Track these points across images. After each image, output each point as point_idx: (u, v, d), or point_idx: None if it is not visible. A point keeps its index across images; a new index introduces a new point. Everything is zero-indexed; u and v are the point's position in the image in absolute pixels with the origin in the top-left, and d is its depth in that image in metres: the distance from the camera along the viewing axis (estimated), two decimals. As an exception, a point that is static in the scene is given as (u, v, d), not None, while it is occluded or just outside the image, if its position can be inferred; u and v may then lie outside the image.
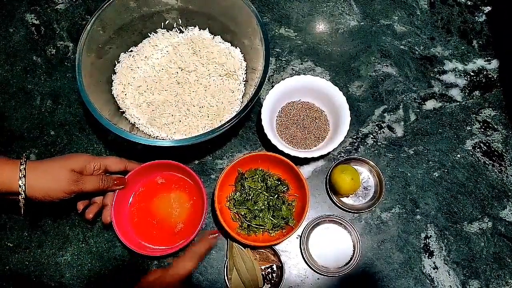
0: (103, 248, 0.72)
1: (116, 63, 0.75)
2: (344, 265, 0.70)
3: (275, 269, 0.70)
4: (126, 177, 0.67)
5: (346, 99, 0.72)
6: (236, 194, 0.71)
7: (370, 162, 0.74)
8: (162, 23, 0.78)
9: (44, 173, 0.58)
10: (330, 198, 0.74)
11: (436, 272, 0.70)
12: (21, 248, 0.72)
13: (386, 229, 0.73)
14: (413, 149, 0.77)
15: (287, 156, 0.69)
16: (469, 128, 0.79)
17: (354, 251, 0.70)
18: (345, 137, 0.69)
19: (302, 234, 0.71)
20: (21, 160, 0.58)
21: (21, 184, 0.56)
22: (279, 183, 0.71)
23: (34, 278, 0.70)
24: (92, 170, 0.63)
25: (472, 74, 0.83)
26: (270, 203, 0.69)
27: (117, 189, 0.66)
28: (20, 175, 0.56)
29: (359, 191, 0.75)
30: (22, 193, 0.56)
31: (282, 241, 0.67)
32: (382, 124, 0.79)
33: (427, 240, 0.72)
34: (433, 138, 0.78)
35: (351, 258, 0.70)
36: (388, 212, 0.74)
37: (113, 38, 0.72)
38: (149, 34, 0.78)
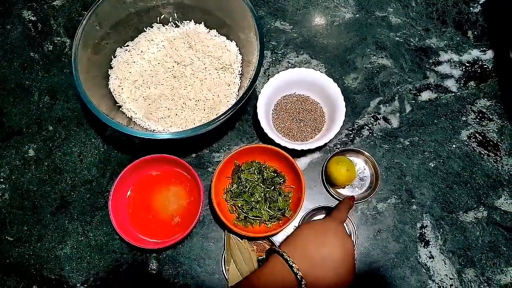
0: (102, 241, 0.73)
1: (112, 58, 0.76)
2: (341, 255, 0.70)
3: (272, 260, 0.70)
4: (123, 171, 0.68)
5: (342, 91, 0.72)
6: (233, 186, 0.71)
7: (366, 153, 0.74)
8: (158, 18, 0.78)
9: None
10: (326, 190, 0.74)
11: (432, 261, 0.71)
12: (21, 242, 0.73)
13: (382, 219, 0.73)
14: (408, 140, 0.78)
15: (284, 148, 0.69)
16: (464, 118, 0.79)
17: (350, 241, 0.71)
18: (341, 128, 0.70)
19: (298, 225, 0.71)
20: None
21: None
22: (276, 175, 0.72)
23: (34, 272, 0.71)
24: None
25: (467, 64, 0.83)
26: (267, 194, 0.70)
27: None
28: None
29: (355, 182, 0.75)
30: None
31: (278, 232, 0.68)
32: (377, 116, 0.79)
33: (423, 230, 0.73)
34: (429, 129, 0.78)
35: (347, 248, 0.71)
36: (384, 202, 0.74)
37: (109, 33, 0.73)
38: (145, 29, 0.78)
